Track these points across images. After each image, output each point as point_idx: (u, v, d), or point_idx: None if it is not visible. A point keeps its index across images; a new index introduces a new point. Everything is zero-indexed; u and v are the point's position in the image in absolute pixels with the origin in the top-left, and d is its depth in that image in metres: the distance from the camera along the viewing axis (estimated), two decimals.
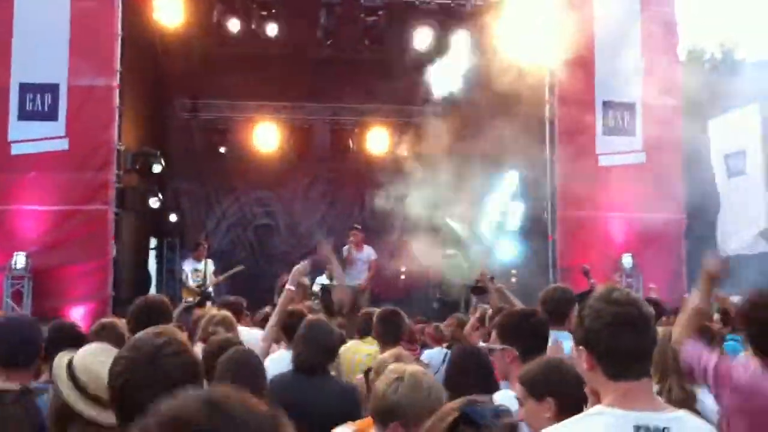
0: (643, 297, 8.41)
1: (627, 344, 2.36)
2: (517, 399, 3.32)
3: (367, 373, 5.00)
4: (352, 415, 4.28)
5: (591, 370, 2.43)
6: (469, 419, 1.93)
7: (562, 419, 2.99)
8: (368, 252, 14.18)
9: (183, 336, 2.37)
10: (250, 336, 5.55)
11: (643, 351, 2.40)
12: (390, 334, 5.34)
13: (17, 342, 3.73)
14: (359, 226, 14.43)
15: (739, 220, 13.84)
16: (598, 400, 2.46)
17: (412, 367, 3.16)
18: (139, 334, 2.40)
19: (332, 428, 3.61)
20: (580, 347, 2.45)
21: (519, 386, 3.31)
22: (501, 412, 1.88)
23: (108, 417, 2.83)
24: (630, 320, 2.36)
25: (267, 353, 5.11)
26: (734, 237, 13.81)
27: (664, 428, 2.26)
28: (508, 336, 3.99)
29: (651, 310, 2.45)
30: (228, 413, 1.26)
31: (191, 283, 13.56)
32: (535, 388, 3.18)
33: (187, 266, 13.86)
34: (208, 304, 11.40)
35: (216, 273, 13.90)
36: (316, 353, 4.47)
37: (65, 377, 2.99)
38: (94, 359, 2.95)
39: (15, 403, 3.48)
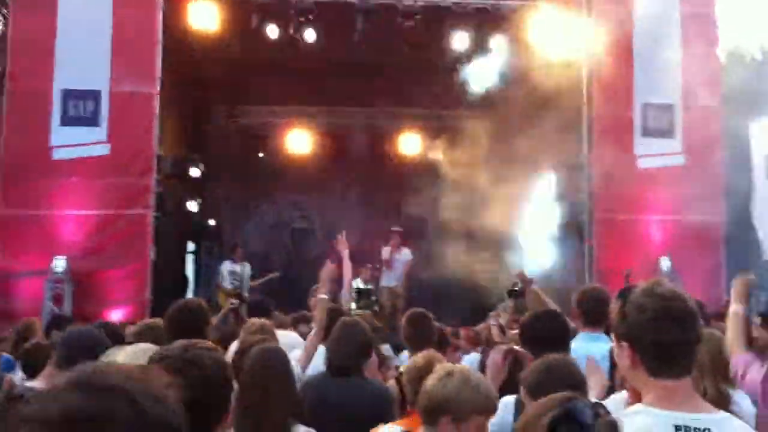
0: None
1: (671, 338, 2.32)
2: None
3: (398, 377, 5.02)
4: (385, 417, 4.30)
5: (633, 367, 2.39)
6: (572, 416, 1.88)
7: None
8: (406, 253, 14.27)
9: (214, 347, 2.37)
10: (290, 339, 5.59)
11: (687, 346, 2.36)
12: (419, 337, 5.33)
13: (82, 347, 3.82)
14: (399, 228, 14.47)
15: None
16: (637, 400, 2.44)
17: (460, 365, 3.20)
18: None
19: (366, 429, 3.61)
20: (623, 343, 2.41)
21: (521, 387, 3.32)
22: (600, 409, 1.83)
23: None
24: (675, 314, 2.33)
25: (307, 364, 5.06)
26: None
27: (704, 429, 2.23)
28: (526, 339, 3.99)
29: (695, 306, 2.40)
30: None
31: (227, 284, 13.66)
32: (533, 390, 3.20)
33: (224, 268, 13.97)
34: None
35: (253, 277, 14.01)
36: (349, 354, 4.48)
37: None
38: (134, 359, 3.00)
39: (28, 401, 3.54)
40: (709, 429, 2.23)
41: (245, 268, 13.91)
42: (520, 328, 4.18)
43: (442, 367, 3.13)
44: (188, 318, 4.42)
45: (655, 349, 2.35)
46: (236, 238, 17.09)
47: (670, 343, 2.33)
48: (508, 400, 3.71)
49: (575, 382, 3.23)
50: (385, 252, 14.41)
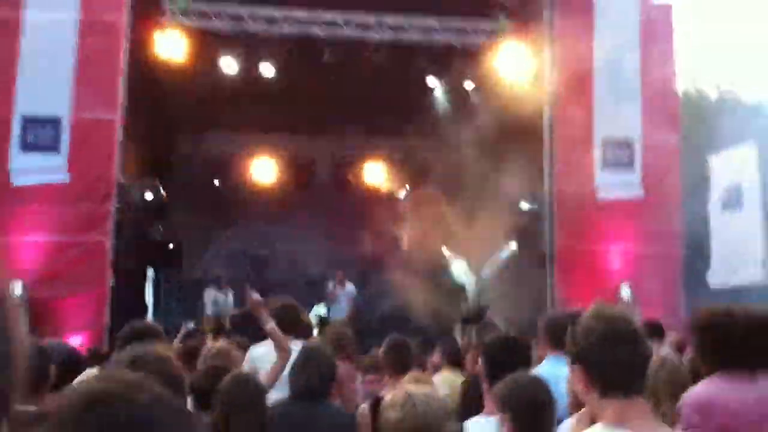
0: (643, 320, 8.48)
1: (618, 358, 2.37)
2: None
3: (375, 402, 5.01)
4: None
5: (586, 390, 2.44)
6: None
7: None
8: (350, 289, 14.63)
9: (165, 352, 2.36)
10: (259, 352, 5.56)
11: (635, 366, 2.40)
12: (399, 363, 5.34)
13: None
14: (341, 271, 15.12)
15: (736, 253, 13.86)
16: (592, 423, 2.49)
17: (418, 389, 3.21)
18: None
19: None
20: (575, 366, 2.47)
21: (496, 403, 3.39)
22: None
23: None
24: (620, 335, 2.39)
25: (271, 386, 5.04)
26: (735, 270, 13.82)
27: None
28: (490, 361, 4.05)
29: (638, 326, 2.47)
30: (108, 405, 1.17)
31: (209, 312, 13.67)
32: (498, 402, 3.28)
33: (208, 296, 14.02)
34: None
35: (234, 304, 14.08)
36: (314, 379, 4.47)
37: None
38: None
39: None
40: None
41: (228, 297, 14.01)
42: (483, 350, 4.20)
43: (392, 396, 3.13)
44: (140, 340, 4.38)
45: (604, 370, 2.40)
46: (197, 265, 17.00)
47: (617, 362, 2.38)
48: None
49: (534, 402, 3.26)
50: (329, 286, 14.78)
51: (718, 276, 14.01)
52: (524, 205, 12.77)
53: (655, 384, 4.08)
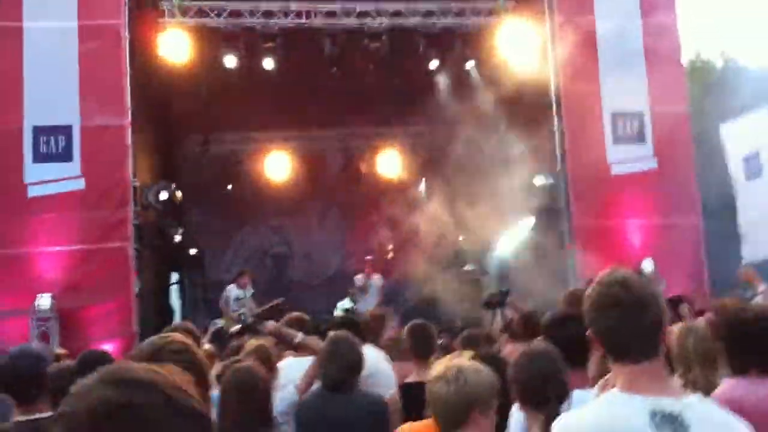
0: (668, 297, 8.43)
1: (612, 324, 2.35)
2: None
3: (403, 386, 5.01)
4: (383, 427, 4.31)
5: (604, 355, 2.49)
6: None
7: (526, 407, 3.30)
8: (378, 279, 14.57)
9: (189, 339, 2.34)
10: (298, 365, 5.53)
11: (635, 332, 2.34)
12: (422, 347, 5.34)
13: (17, 376, 3.78)
14: (370, 257, 14.75)
15: (764, 219, 13.75)
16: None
17: (455, 361, 3.22)
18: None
19: None
20: (588, 332, 2.45)
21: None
22: None
23: None
24: (613, 301, 2.35)
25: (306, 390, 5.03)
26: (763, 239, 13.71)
27: (678, 414, 2.23)
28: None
29: (642, 291, 2.38)
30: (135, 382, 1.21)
31: (231, 310, 13.71)
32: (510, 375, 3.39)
33: (230, 293, 14.05)
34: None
35: (253, 298, 14.10)
36: (341, 369, 4.48)
37: None
38: None
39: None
40: (681, 412, 2.24)
41: (247, 292, 14.03)
42: (543, 329, 4.15)
43: (444, 368, 3.14)
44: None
45: (606, 336, 2.40)
46: (218, 266, 17.07)
47: (613, 329, 2.36)
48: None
49: (538, 372, 3.30)
50: (359, 279, 14.68)
51: (749, 248, 13.89)
52: (540, 185, 12.66)
53: (684, 352, 4.08)
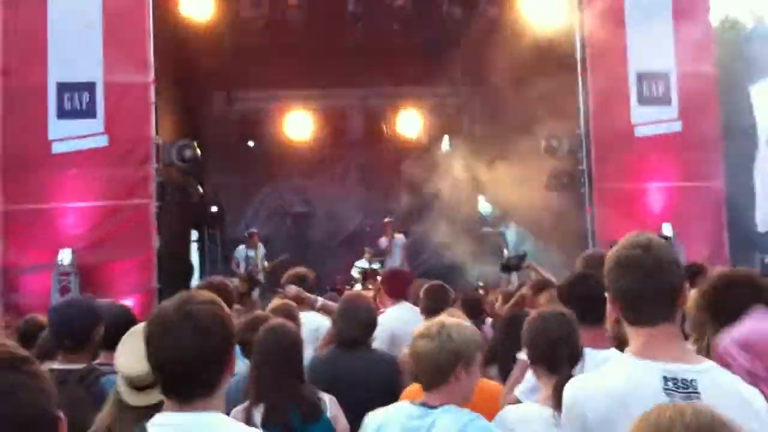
0: (687, 262, 8.39)
1: (631, 288, 2.37)
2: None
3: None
4: (395, 386, 4.38)
5: (619, 318, 2.46)
6: None
7: (540, 369, 3.34)
8: (400, 238, 14.62)
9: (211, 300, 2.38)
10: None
11: (652, 295, 2.36)
12: (435, 308, 5.39)
13: (68, 324, 3.86)
14: (389, 218, 14.90)
15: None
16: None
17: (440, 318, 3.26)
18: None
19: (377, 399, 3.66)
20: (607, 295, 2.47)
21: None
22: None
23: (138, 399, 2.92)
24: (633, 262, 2.36)
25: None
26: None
27: (691, 380, 2.25)
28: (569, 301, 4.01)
29: (664, 254, 2.39)
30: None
31: (241, 271, 13.90)
32: (523, 338, 3.48)
33: (239, 253, 14.22)
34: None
35: (266, 258, 14.27)
36: (355, 328, 4.55)
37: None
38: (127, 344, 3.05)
39: (79, 383, 3.60)
40: (695, 380, 2.26)
41: (259, 252, 14.18)
42: (558, 291, 4.20)
43: (427, 325, 3.17)
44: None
45: (622, 299, 2.41)
46: (239, 225, 17.19)
47: (631, 292, 2.37)
48: None
49: (551, 334, 3.35)
50: (383, 242, 14.73)
51: (760, 214, 13.77)
52: (563, 145, 12.55)
53: (699, 319, 4.08)
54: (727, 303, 3.59)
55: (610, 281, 2.43)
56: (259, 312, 5.17)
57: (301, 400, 3.68)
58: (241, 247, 14.39)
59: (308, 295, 5.80)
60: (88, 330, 3.86)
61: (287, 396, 3.68)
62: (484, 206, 15.65)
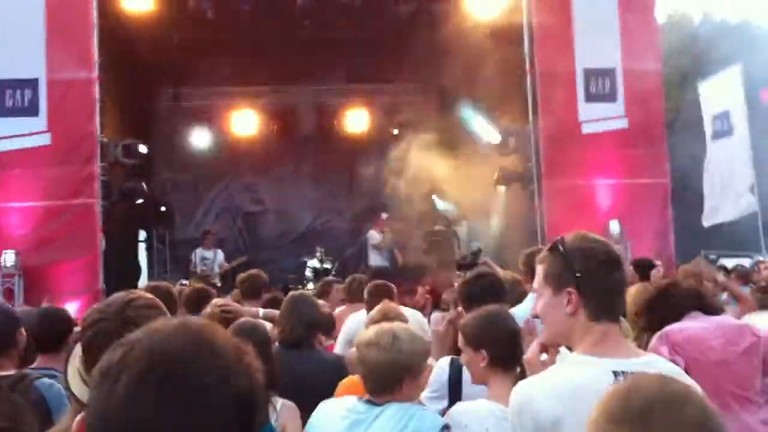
0: (634, 258, 8.51)
1: (616, 281, 2.43)
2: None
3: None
4: (337, 384, 4.36)
5: (573, 315, 2.42)
6: None
7: (496, 368, 3.30)
8: (390, 234, 14.43)
9: (154, 304, 2.30)
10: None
11: (623, 288, 2.51)
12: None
13: None
14: (386, 214, 14.72)
15: (724, 182, 13.83)
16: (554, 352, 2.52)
17: (387, 324, 3.23)
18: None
19: (319, 397, 3.64)
20: (569, 289, 2.42)
21: (460, 335, 3.47)
22: None
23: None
24: (616, 258, 2.44)
25: None
26: (722, 202, 13.81)
27: (640, 372, 2.28)
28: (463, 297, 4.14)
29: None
30: (210, 345, 1.22)
31: (199, 271, 13.71)
32: (471, 339, 3.39)
33: (196, 255, 14.02)
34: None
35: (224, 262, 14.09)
36: (299, 327, 4.51)
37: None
38: None
39: (11, 390, 3.50)
40: (643, 371, 2.27)
41: (217, 255, 14.01)
42: (458, 288, 4.32)
43: (377, 332, 3.15)
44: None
45: (603, 293, 2.42)
46: (188, 224, 16.98)
47: (614, 285, 2.44)
48: (443, 361, 3.83)
49: (511, 329, 3.39)
50: (375, 236, 14.53)
51: (709, 216, 14.01)
52: (512, 143, 12.62)
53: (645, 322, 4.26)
54: (669, 311, 3.91)
55: (592, 277, 2.40)
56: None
57: None
58: (198, 249, 14.22)
59: (246, 309, 5.67)
60: (6, 334, 3.75)
61: None
62: (441, 204, 15.68)
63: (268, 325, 5.44)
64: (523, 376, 3.24)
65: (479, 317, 3.45)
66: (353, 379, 3.59)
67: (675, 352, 3.89)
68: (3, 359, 3.69)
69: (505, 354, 3.32)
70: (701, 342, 3.97)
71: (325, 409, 3.22)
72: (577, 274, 2.41)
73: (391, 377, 3.04)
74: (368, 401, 3.08)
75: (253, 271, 6.55)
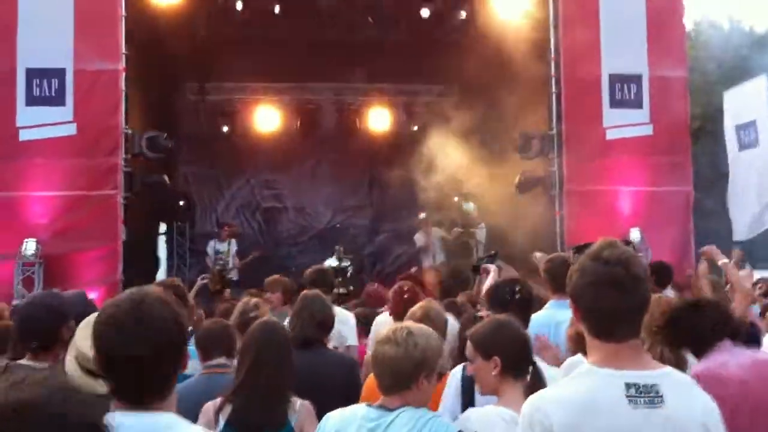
0: (651, 262, 8.41)
1: (609, 305, 2.31)
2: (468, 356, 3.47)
3: None
4: (349, 385, 4.36)
5: (579, 323, 2.45)
6: None
7: (507, 376, 3.27)
8: (437, 231, 14.23)
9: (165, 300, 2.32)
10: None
11: (627, 313, 2.33)
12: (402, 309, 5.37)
13: (32, 325, 3.77)
14: (424, 215, 14.53)
15: (750, 192, 13.68)
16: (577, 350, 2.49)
17: (407, 323, 3.23)
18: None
19: (333, 398, 3.64)
20: (570, 302, 2.43)
21: (468, 344, 3.44)
22: None
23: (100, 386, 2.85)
24: (614, 280, 2.30)
25: None
26: (745, 213, 13.66)
27: (652, 384, 2.26)
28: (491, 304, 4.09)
29: (641, 270, 2.36)
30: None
31: (212, 263, 13.73)
32: (482, 347, 3.36)
33: (210, 247, 14.05)
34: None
35: (238, 254, 14.06)
36: (309, 326, 4.52)
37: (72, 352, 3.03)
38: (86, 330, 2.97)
39: None
40: (656, 384, 2.27)
41: (231, 247, 13.98)
42: (485, 294, 4.28)
43: (393, 330, 3.13)
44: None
45: (594, 314, 2.36)
46: (209, 218, 17.06)
47: (607, 309, 2.32)
48: (455, 370, 3.82)
49: (523, 336, 3.37)
50: (420, 239, 14.37)
51: (740, 229, 13.85)
52: (535, 147, 12.54)
53: (651, 324, 4.11)
54: (691, 332, 3.70)
55: (583, 297, 2.37)
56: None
57: (269, 405, 3.64)
58: (212, 241, 14.24)
59: None
60: (53, 330, 3.73)
61: (259, 398, 3.63)
62: (463, 205, 15.61)
63: None
64: (533, 383, 3.24)
65: (490, 325, 3.44)
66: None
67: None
68: (45, 354, 3.68)
69: (517, 361, 3.30)
70: (742, 385, 3.52)
71: (335, 416, 3.16)
72: (573, 291, 2.40)
73: (404, 373, 3.00)
74: (380, 406, 3.04)
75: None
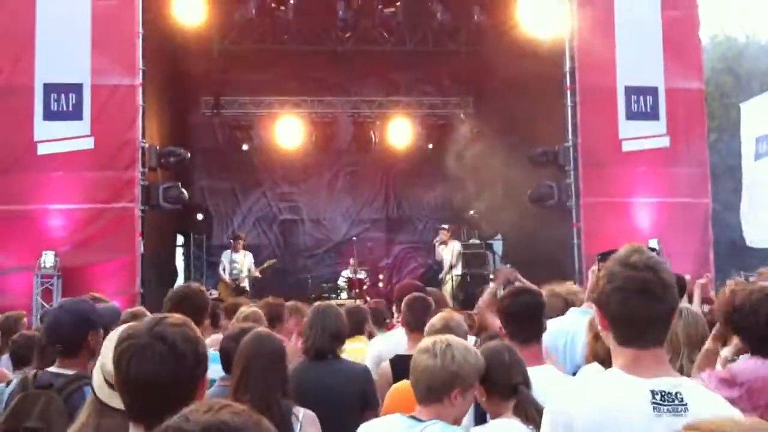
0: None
1: (636, 311, 2.27)
2: None
3: (395, 358, 5.00)
4: (364, 396, 4.34)
5: (605, 332, 2.39)
6: None
7: (493, 400, 3.25)
8: (456, 244, 14.16)
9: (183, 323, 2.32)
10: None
11: (655, 319, 2.29)
12: (417, 320, 5.32)
13: (58, 329, 3.78)
14: (445, 226, 14.40)
15: (766, 201, 13.58)
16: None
17: (443, 336, 3.22)
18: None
19: (347, 410, 3.63)
20: (595, 308, 2.40)
21: None
22: None
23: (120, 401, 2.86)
24: (643, 286, 2.26)
25: None
26: (760, 221, 13.57)
27: (676, 393, 2.23)
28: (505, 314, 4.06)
29: (670, 276, 2.31)
30: None
31: (226, 276, 13.77)
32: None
33: (225, 258, 14.08)
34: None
35: (254, 266, 14.12)
36: (323, 339, 4.51)
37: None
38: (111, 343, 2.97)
39: (61, 389, 3.53)
40: (679, 392, 2.24)
41: (246, 258, 14.03)
42: (499, 303, 4.22)
43: (433, 341, 3.13)
44: (188, 303, 4.36)
45: (621, 321, 2.32)
46: (226, 231, 17.13)
47: (635, 315, 2.28)
48: None
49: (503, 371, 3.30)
50: (447, 251, 14.27)
51: (754, 235, 13.76)
52: (550, 158, 12.51)
53: (674, 337, 4.04)
54: (750, 325, 3.58)
55: (609, 301, 2.32)
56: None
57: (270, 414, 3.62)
58: (227, 252, 14.30)
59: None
60: (79, 336, 3.74)
61: (258, 407, 3.61)
62: (472, 218, 15.59)
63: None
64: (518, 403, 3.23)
65: (483, 348, 3.43)
66: (406, 383, 3.56)
67: (749, 398, 3.38)
68: (69, 359, 3.68)
69: (501, 388, 3.25)
70: None
71: (371, 427, 3.17)
72: (600, 296, 2.36)
73: (438, 385, 2.99)
74: (412, 417, 3.03)
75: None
